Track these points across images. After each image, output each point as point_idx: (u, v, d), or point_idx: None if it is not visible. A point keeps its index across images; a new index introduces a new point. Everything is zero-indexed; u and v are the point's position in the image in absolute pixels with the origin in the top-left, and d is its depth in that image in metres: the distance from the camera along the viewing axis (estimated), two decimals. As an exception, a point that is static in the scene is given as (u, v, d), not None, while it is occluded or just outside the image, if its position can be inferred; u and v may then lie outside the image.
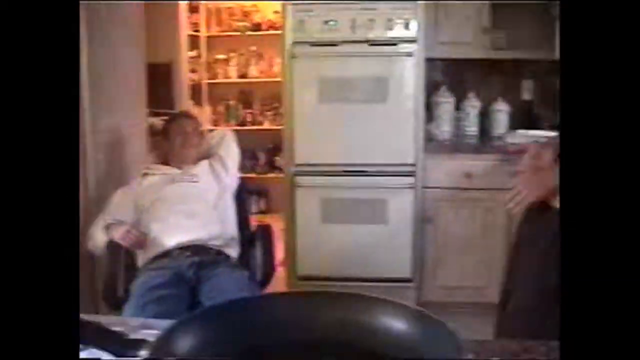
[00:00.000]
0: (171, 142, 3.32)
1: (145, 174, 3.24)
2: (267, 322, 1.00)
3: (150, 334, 1.01)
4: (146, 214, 3.09)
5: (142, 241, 3.00)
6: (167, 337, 0.93)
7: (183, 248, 2.99)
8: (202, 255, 2.97)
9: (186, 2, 6.38)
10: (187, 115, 3.63)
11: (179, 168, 3.25)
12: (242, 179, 3.43)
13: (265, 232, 3.25)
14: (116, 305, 2.88)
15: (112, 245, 3.02)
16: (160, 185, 3.17)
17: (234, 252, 3.14)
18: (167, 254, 2.98)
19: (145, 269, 2.95)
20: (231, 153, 3.37)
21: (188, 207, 3.11)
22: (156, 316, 2.44)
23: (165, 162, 3.32)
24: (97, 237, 3.05)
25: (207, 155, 3.35)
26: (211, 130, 3.77)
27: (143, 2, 4.31)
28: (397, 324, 0.98)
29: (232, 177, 3.32)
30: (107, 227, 3.03)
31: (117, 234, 2.97)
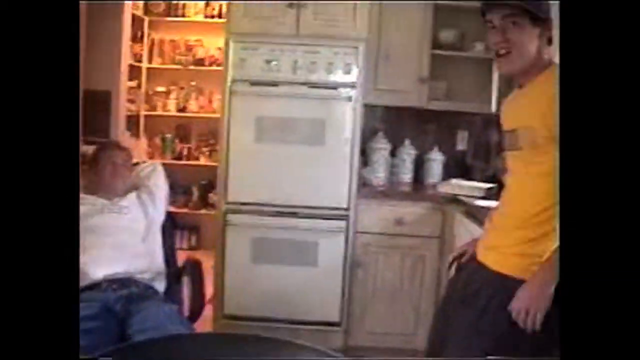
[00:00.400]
0: (100, 172, 3.25)
1: (73, 203, 3.16)
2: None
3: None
4: (72, 244, 3.01)
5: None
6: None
7: (111, 280, 2.91)
8: (130, 288, 2.90)
9: (129, 31, 6.33)
10: (117, 145, 3.56)
11: (107, 199, 3.18)
12: (170, 212, 3.38)
13: (195, 267, 3.19)
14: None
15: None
16: (88, 215, 3.09)
17: (160, 286, 3.08)
18: (94, 286, 2.88)
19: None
20: (160, 186, 3.33)
21: (116, 239, 3.03)
22: (83, 350, 2.35)
23: (93, 192, 3.24)
24: None
25: (136, 187, 3.29)
26: (143, 162, 3.72)
27: (84, 28, 4.27)
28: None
29: (160, 211, 3.27)
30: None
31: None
